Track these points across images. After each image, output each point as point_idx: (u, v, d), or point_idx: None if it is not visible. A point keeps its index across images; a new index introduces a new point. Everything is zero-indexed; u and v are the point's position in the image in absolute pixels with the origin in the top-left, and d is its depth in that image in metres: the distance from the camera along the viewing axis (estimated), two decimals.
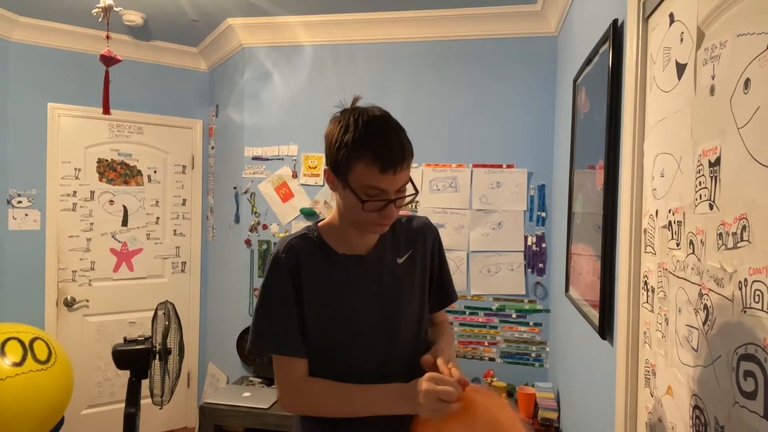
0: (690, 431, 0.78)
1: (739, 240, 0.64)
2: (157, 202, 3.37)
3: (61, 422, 2.48)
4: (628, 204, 1.11)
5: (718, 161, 0.71)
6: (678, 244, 0.85)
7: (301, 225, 2.86)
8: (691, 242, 0.79)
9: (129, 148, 3.27)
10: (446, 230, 2.68)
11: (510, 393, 2.45)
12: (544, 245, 2.61)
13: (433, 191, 2.73)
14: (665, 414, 0.90)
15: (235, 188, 3.11)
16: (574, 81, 1.93)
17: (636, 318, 1.09)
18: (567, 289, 1.99)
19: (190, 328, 3.44)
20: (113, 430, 3.15)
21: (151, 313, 2.15)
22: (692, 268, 0.79)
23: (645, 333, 1.04)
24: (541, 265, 2.61)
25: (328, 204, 2.89)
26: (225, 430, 2.62)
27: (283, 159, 2.96)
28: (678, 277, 0.85)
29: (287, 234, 1.88)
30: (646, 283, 1.04)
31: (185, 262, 3.47)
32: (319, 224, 1.17)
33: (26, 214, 2.99)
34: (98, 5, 2.20)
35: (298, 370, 1.09)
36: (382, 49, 2.82)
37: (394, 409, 1.02)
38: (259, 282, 2.96)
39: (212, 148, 3.44)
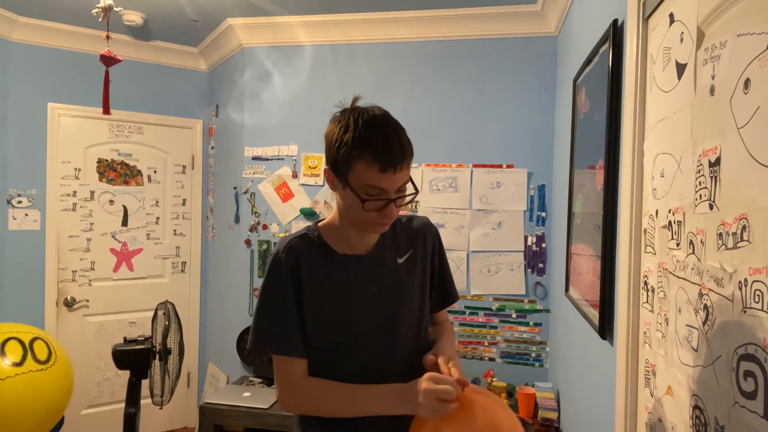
0: (690, 431, 0.78)
1: (739, 240, 0.64)
2: (157, 202, 3.37)
3: (61, 422, 2.48)
4: (628, 204, 1.11)
5: (718, 161, 0.71)
6: (678, 244, 0.85)
7: (301, 225, 2.86)
8: (691, 242, 0.79)
9: (129, 148, 3.27)
10: (446, 230, 2.68)
11: (510, 393, 2.45)
12: (544, 245, 2.61)
13: (433, 191, 2.73)
14: (665, 414, 0.90)
15: (235, 188, 3.11)
16: (574, 81, 1.93)
17: (636, 318, 1.09)
18: (567, 289, 1.99)
19: (190, 328, 3.44)
20: (113, 430, 3.15)
21: (151, 313, 2.15)
22: (692, 268, 0.79)
23: (645, 333, 1.04)
24: (541, 265, 2.61)
25: (328, 204, 2.89)
26: (225, 430, 2.62)
27: (283, 159, 2.96)
28: (678, 277, 0.85)
29: (287, 234, 1.88)
30: (646, 283, 1.04)
31: (185, 262, 3.47)
32: (319, 224, 1.17)
33: (26, 214, 2.99)
34: (98, 5, 2.20)
35: (297, 370, 1.09)
36: (382, 49, 2.82)
37: (394, 409, 1.02)
38: (259, 282, 2.96)
39: (212, 148, 3.44)
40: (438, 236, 1.27)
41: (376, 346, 1.12)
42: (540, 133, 2.61)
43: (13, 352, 2.24)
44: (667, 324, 0.89)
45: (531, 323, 2.63)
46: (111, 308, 3.23)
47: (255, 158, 3.00)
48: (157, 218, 3.37)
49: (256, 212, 3.00)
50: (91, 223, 3.17)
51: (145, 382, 2.02)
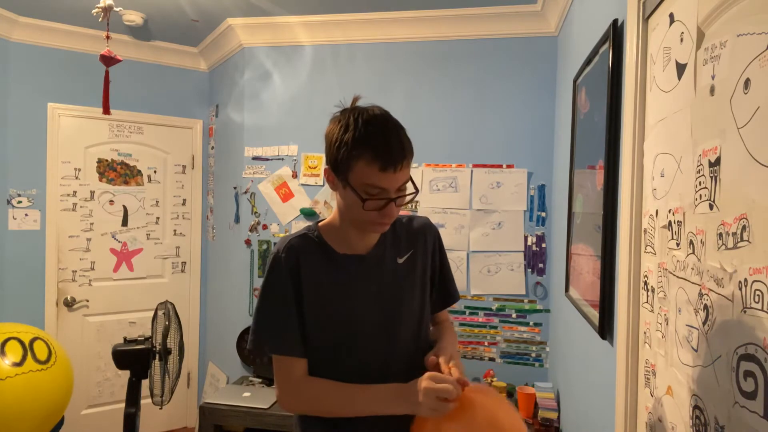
0: (690, 431, 0.78)
1: (739, 240, 0.64)
2: (157, 202, 3.37)
3: (61, 422, 2.48)
4: (628, 204, 1.11)
5: (718, 161, 0.71)
6: (678, 244, 0.85)
7: (301, 225, 2.86)
8: (691, 242, 0.79)
9: (129, 148, 3.27)
10: (446, 230, 2.68)
11: (510, 393, 2.45)
12: (544, 245, 2.61)
13: (433, 191, 2.73)
14: (665, 414, 0.90)
15: (235, 188, 3.11)
16: (574, 81, 1.93)
17: (636, 318, 1.09)
18: (567, 289, 1.99)
19: (190, 328, 3.44)
20: (113, 430, 3.15)
21: (151, 313, 2.15)
22: (692, 268, 0.79)
23: (645, 333, 1.04)
24: (541, 265, 2.61)
25: (328, 204, 2.89)
26: (225, 430, 2.62)
27: (283, 159, 2.96)
28: (678, 277, 0.85)
29: (287, 234, 1.89)
30: (646, 283, 1.04)
31: (185, 262, 3.47)
32: (320, 224, 1.18)
33: (26, 214, 2.99)
34: (98, 5, 2.20)
35: (297, 369, 1.09)
36: (382, 49, 2.82)
37: (394, 408, 1.02)
38: (259, 282, 2.96)
39: (212, 148, 3.44)
40: (438, 236, 1.27)
41: (376, 346, 1.12)
42: (540, 133, 2.61)
43: (13, 352, 2.24)
44: (667, 324, 0.89)
45: (531, 323, 2.63)
46: (111, 308, 3.23)
47: (255, 158, 3.00)
48: (157, 218, 3.37)
49: (256, 212, 3.00)
50: (91, 223, 3.17)
51: (145, 382, 2.02)
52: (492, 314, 2.67)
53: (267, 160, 2.98)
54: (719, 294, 0.69)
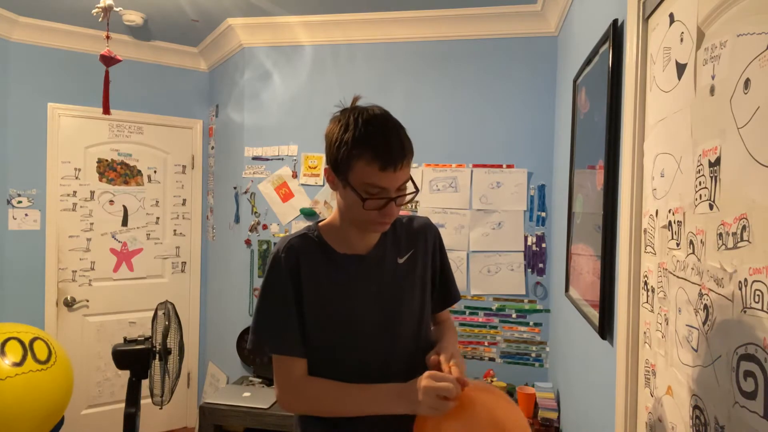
0: (690, 431, 0.78)
1: (739, 240, 0.64)
2: (157, 202, 3.37)
3: (61, 422, 2.48)
4: (628, 204, 1.11)
5: (718, 161, 0.71)
6: (678, 244, 0.85)
7: (301, 225, 2.86)
8: (691, 242, 0.79)
9: (129, 148, 3.27)
10: (446, 230, 2.68)
11: (510, 393, 2.44)
12: (544, 245, 2.61)
13: (433, 191, 2.73)
14: (665, 414, 0.90)
15: (235, 188, 3.11)
16: (574, 81, 1.93)
17: (636, 318, 1.09)
18: (567, 289, 1.99)
19: (190, 328, 3.44)
20: (113, 430, 3.15)
21: (151, 313, 2.15)
22: (692, 268, 0.79)
23: (645, 333, 1.04)
24: (541, 265, 2.61)
25: (328, 204, 2.89)
26: (225, 430, 2.62)
27: (283, 159, 2.96)
28: (678, 277, 0.85)
29: (288, 234, 1.89)
30: (646, 283, 1.04)
31: (185, 262, 3.47)
32: (320, 224, 1.18)
33: (26, 214, 2.99)
34: (98, 5, 2.20)
35: (297, 369, 1.09)
36: (382, 49, 2.82)
37: (394, 408, 1.02)
38: (259, 282, 2.96)
39: (212, 148, 3.44)
40: (439, 236, 1.27)
41: (376, 346, 1.12)
42: (540, 133, 2.61)
43: (13, 352, 2.24)
44: (667, 324, 0.89)
45: (531, 323, 2.63)
46: (111, 308, 3.23)
47: (255, 158, 3.00)
48: (157, 218, 3.37)
49: (256, 212, 3.00)
50: (91, 223, 3.17)
51: (145, 382, 2.02)
52: (492, 314, 2.67)
53: (267, 160, 2.98)
54: (719, 294, 0.69)
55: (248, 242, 3.02)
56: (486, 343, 2.67)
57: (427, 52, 2.76)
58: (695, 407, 0.76)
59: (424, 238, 1.22)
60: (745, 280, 0.62)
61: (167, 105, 3.36)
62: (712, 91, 0.74)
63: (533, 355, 2.63)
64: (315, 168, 2.92)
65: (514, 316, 2.64)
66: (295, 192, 2.95)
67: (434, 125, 2.73)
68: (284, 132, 2.96)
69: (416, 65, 2.77)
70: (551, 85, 2.60)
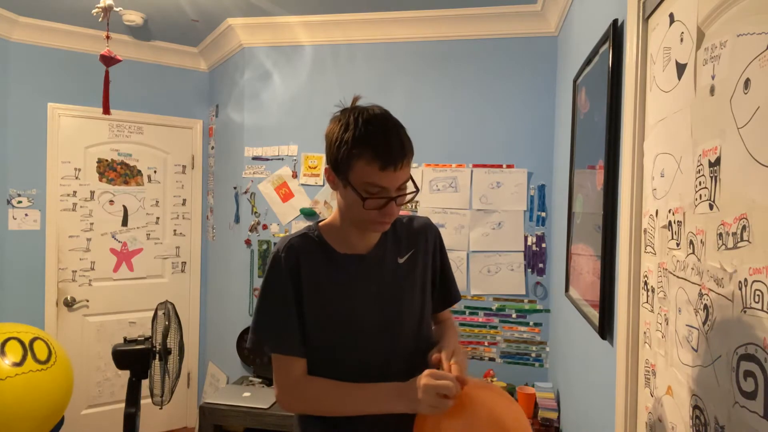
0: (690, 431, 0.78)
1: (739, 240, 0.64)
2: (157, 202, 3.37)
3: (61, 422, 2.48)
4: (628, 204, 1.11)
5: (718, 161, 0.71)
6: (678, 244, 0.85)
7: (301, 225, 2.86)
8: (691, 242, 0.79)
9: (129, 148, 3.27)
10: (446, 230, 2.68)
11: (510, 393, 2.44)
12: (544, 245, 2.61)
13: (433, 191, 2.73)
14: (665, 414, 0.90)
15: (235, 188, 3.11)
16: (574, 81, 1.93)
17: (636, 318, 1.09)
18: (567, 289, 1.99)
19: (190, 328, 3.44)
20: (113, 430, 3.15)
21: (151, 313, 2.15)
22: (692, 268, 0.79)
23: (645, 333, 1.04)
24: (541, 265, 2.61)
25: (328, 204, 2.89)
26: (225, 430, 2.62)
27: (283, 159, 2.96)
28: (678, 277, 0.85)
29: (288, 234, 1.89)
30: (646, 283, 1.04)
31: (185, 262, 3.47)
32: (320, 224, 1.18)
33: (26, 214, 2.99)
34: (98, 5, 2.20)
35: (296, 369, 1.09)
36: (382, 49, 2.82)
37: (394, 406, 1.02)
38: (259, 282, 2.96)
39: (212, 148, 3.44)
40: (439, 236, 1.27)
41: (376, 346, 1.12)
42: (540, 133, 2.61)
43: (13, 352, 2.24)
44: (667, 324, 0.89)
45: (531, 323, 2.63)
46: (111, 308, 3.23)
47: (255, 158, 3.00)
48: (157, 218, 3.37)
49: (256, 212, 3.00)
50: (91, 223, 3.17)
51: (145, 382, 2.02)
52: (492, 314, 2.67)
53: (267, 160, 2.98)
54: (719, 294, 0.69)
55: (248, 242, 3.02)
56: (486, 343, 2.67)
57: (427, 52, 2.76)
58: (695, 407, 0.76)
59: (424, 238, 1.22)
60: (745, 280, 0.62)
61: (167, 105, 3.36)
62: (712, 91, 0.74)
63: (533, 355, 2.63)
64: (315, 168, 2.92)
65: (514, 316, 2.64)
66: (295, 192, 2.95)
67: (434, 125, 2.73)
68: (284, 132, 2.96)
69: (416, 65, 2.77)
70: (551, 85, 2.60)
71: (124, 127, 3.24)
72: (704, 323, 0.74)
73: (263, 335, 1.10)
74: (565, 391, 2.07)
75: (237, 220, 3.08)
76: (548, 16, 2.51)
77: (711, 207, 0.72)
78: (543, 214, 2.61)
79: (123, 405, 2.17)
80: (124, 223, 3.27)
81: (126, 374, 2.67)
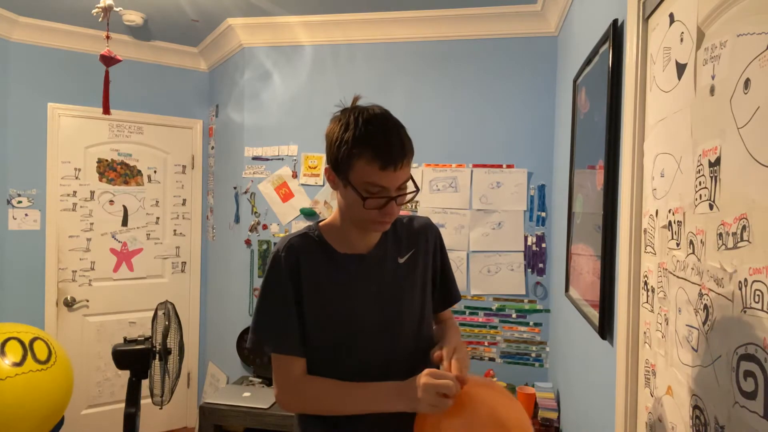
0: (690, 431, 0.78)
1: (739, 240, 0.64)
2: (157, 202, 3.37)
3: (61, 422, 2.48)
4: (628, 204, 1.11)
5: (718, 161, 0.71)
6: (678, 244, 0.85)
7: (301, 225, 2.86)
8: (691, 242, 0.79)
9: (129, 148, 3.27)
10: (446, 230, 2.68)
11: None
12: (544, 245, 2.61)
13: (433, 191, 2.73)
14: (665, 414, 0.90)
15: (235, 188, 3.11)
16: (574, 81, 1.94)
17: (636, 318, 1.09)
18: (567, 289, 1.99)
19: (190, 328, 3.44)
20: (113, 430, 3.15)
21: (151, 313, 2.15)
22: (692, 268, 0.79)
23: (645, 333, 1.04)
24: (541, 265, 2.61)
25: (328, 204, 2.89)
26: (225, 430, 2.62)
27: (283, 159, 2.96)
28: (678, 277, 0.85)
29: (288, 233, 1.89)
30: (646, 283, 1.04)
31: (185, 262, 3.47)
32: (321, 224, 1.18)
33: (26, 214, 2.99)
34: (98, 5, 2.20)
35: (296, 368, 1.09)
36: (382, 49, 2.82)
37: (393, 405, 1.02)
38: (259, 282, 2.96)
39: (212, 148, 3.44)
40: (439, 236, 1.27)
41: (376, 346, 1.12)
42: (540, 133, 2.61)
43: (13, 352, 2.24)
44: (667, 324, 0.89)
45: (531, 323, 2.63)
46: (111, 308, 3.23)
47: (255, 158, 3.00)
48: (157, 218, 3.37)
49: (256, 212, 3.00)
50: (91, 223, 3.17)
51: (145, 382, 2.02)
52: (492, 314, 2.67)
53: (267, 160, 2.98)
54: (719, 294, 0.69)
55: (248, 242, 3.02)
56: (486, 343, 2.67)
57: (427, 52, 2.76)
58: (695, 407, 0.76)
59: (425, 238, 1.22)
60: (745, 280, 0.62)
61: (167, 105, 3.36)
62: (712, 91, 0.74)
63: (533, 355, 2.63)
64: (315, 168, 2.92)
65: (514, 316, 2.64)
66: (295, 192, 2.95)
67: (434, 125, 2.73)
68: (284, 132, 2.96)
69: (416, 65, 2.77)
70: (551, 85, 2.60)
71: (124, 127, 3.24)
72: (704, 323, 0.74)
73: (263, 335, 1.10)
74: (565, 391, 2.07)
75: (237, 220, 3.08)
76: (548, 16, 2.51)
77: (711, 207, 0.72)
78: (543, 214, 2.61)
79: (123, 405, 2.17)
80: (124, 223, 3.27)
81: (126, 374, 2.67)
